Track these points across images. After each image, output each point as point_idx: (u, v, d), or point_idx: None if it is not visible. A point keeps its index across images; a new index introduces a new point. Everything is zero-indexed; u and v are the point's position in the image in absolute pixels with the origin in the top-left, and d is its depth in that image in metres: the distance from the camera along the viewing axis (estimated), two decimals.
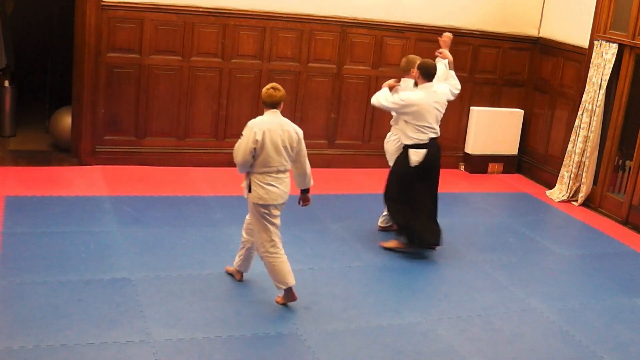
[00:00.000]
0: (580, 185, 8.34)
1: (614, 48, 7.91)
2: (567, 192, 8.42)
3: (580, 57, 8.49)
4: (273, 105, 5.05)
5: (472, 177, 9.07)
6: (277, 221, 5.12)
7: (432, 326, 5.16)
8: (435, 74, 6.24)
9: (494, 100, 9.30)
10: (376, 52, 8.57)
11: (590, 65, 8.17)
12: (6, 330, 4.48)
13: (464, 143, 9.26)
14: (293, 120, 8.55)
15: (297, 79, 8.31)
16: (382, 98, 6.33)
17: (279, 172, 5.04)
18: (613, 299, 5.94)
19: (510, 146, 9.32)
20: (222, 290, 5.34)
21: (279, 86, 5.12)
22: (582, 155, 8.26)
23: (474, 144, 9.15)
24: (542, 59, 9.15)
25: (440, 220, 7.30)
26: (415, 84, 6.38)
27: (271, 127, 4.97)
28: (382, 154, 8.77)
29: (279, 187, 5.03)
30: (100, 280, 5.26)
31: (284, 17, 8.08)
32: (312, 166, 7.90)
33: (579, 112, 8.28)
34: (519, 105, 9.39)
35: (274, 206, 5.05)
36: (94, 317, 4.74)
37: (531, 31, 9.21)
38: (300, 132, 5.16)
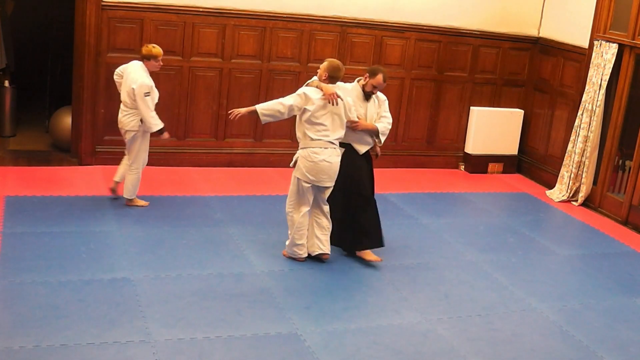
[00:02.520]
0: (580, 185, 8.34)
1: (614, 48, 7.91)
2: (567, 192, 8.42)
3: (580, 57, 8.49)
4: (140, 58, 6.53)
5: (472, 177, 9.07)
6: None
7: (432, 326, 5.16)
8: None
9: (494, 100, 9.30)
10: (376, 52, 8.57)
11: (590, 65, 8.17)
12: (6, 330, 4.48)
13: (464, 143, 9.26)
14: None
15: (297, 79, 8.30)
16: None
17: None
18: (613, 299, 5.94)
19: (510, 146, 9.32)
20: (222, 290, 5.34)
21: (151, 46, 6.51)
22: (582, 155, 8.27)
23: (474, 144, 9.15)
24: (542, 59, 9.16)
25: (441, 220, 7.31)
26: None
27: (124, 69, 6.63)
28: (382, 154, 8.77)
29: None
30: (100, 280, 5.26)
31: (284, 17, 8.08)
32: None
33: (579, 112, 8.29)
34: (519, 105, 9.39)
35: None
36: (94, 317, 4.74)
37: (531, 31, 9.21)
38: (136, 86, 6.35)
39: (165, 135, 6.68)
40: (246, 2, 7.92)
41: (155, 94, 6.54)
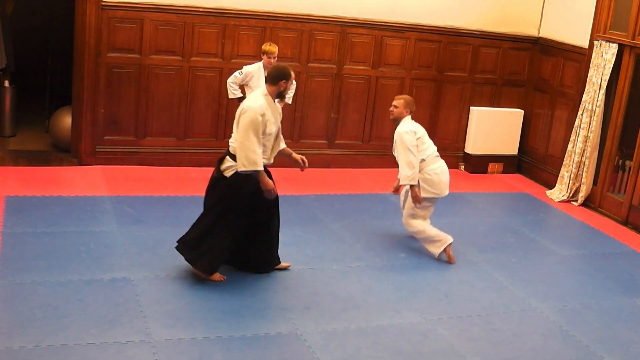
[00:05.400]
0: (580, 185, 8.34)
1: (614, 48, 7.91)
2: (567, 192, 8.42)
3: (580, 57, 8.49)
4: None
5: (472, 177, 9.07)
6: None
7: (432, 326, 5.16)
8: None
9: (494, 100, 9.30)
10: (376, 52, 8.58)
11: (590, 65, 8.17)
12: (6, 330, 4.48)
13: (464, 143, 9.26)
14: (293, 120, 8.61)
15: (297, 79, 8.28)
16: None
17: None
18: (613, 299, 5.94)
19: (510, 146, 9.32)
20: (222, 290, 5.34)
21: (267, 43, 7.06)
22: (582, 155, 8.27)
23: (474, 144, 9.15)
24: (542, 59, 9.16)
25: (441, 220, 7.31)
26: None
27: None
28: (381, 154, 8.81)
29: None
30: (100, 280, 5.26)
31: (284, 17, 8.08)
32: (312, 166, 7.88)
33: (579, 112, 8.29)
34: (519, 105, 9.39)
35: None
36: (94, 317, 4.73)
37: (531, 31, 9.21)
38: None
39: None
40: (246, 2, 7.92)
41: (257, 84, 6.93)
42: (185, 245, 5.48)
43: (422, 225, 6.37)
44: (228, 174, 5.30)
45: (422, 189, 6.23)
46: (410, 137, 6.16)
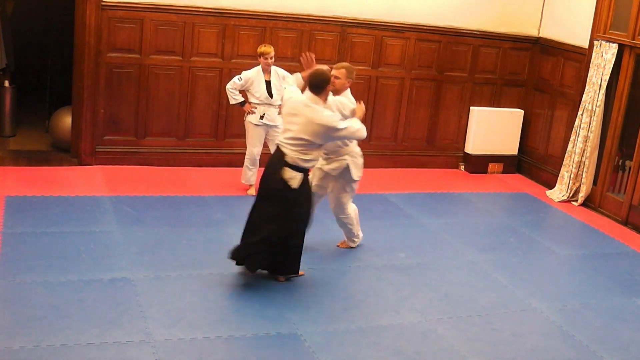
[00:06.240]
0: (580, 185, 8.34)
1: (614, 48, 7.91)
2: (567, 192, 8.42)
3: (580, 57, 8.49)
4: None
5: (472, 177, 9.07)
6: None
7: (432, 326, 5.16)
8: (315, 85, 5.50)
9: (494, 100, 9.30)
10: (376, 52, 8.58)
11: (590, 65, 8.17)
12: (6, 330, 4.48)
13: (464, 143, 9.26)
14: None
15: None
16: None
17: None
18: (613, 299, 5.94)
19: (510, 146, 9.32)
20: (222, 290, 5.34)
21: (262, 45, 7.16)
22: (582, 155, 8.27)
23: (474, 144, 9.15)
24: (542, 59, 9.16)
25: (441, 220, 7.32)
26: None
27: None
28: (381, 154, 8.82)
29: None
30: (100, 280, 5.26)
31: (284, 17, 8.08)
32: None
33: (579, 112, 8.29)
34: (519, 105, 9.39)
35: None
36: (94, 317, 4.74)
37: (531, 31, 9.21)
38: None
39: (246, 107, 7.18)
40: (246, 2, 7.92)
41: (257, 89, 7.07)
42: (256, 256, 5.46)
43: (354, 212, 6.27)
44: (294, 183, 5.36)
45: (353, 174, 6.08)
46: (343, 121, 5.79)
